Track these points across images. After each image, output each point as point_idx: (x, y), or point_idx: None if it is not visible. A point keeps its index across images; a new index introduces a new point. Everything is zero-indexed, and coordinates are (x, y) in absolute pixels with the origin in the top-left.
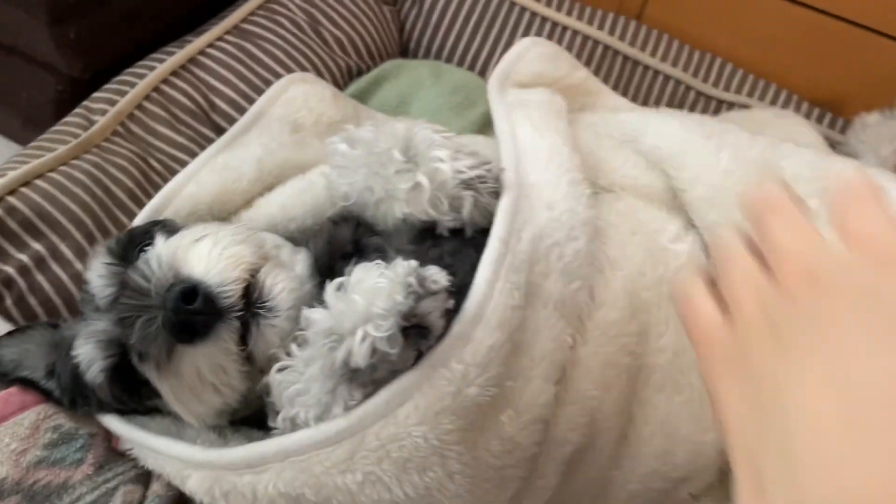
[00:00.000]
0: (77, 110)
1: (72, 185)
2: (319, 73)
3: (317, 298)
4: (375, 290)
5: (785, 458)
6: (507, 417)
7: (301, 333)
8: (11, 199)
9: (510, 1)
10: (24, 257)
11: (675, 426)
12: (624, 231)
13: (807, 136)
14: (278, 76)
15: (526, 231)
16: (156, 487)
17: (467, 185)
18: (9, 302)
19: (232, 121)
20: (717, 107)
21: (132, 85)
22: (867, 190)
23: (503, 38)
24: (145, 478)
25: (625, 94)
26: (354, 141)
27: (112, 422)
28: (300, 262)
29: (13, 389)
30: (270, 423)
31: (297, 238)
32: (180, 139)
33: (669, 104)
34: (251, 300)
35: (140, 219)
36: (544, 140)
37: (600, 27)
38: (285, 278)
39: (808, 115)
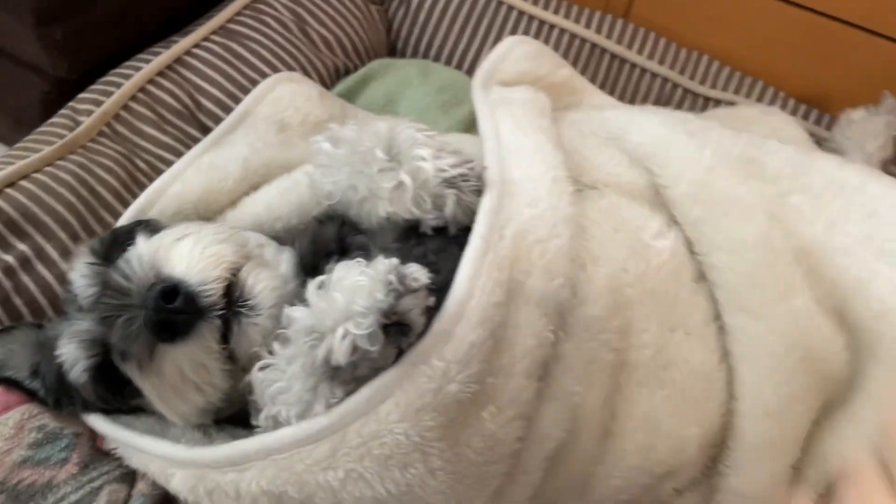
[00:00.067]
0: (63, 111)
1: (57, 185)
2: (306, 73)
3: (301, 297)
4: (356, 287)
5: None
6: (488, 414)
7: (283, 332)
8: None
9: (496, 0)
10: (9, 258)
11: (657, 421)
12: (607, 228)
13: (792, 132)
14: (265, 76)
15: (508, 228)
16: (141, 486)
17: (450, 183)
18: None
19: (218, 121)
20: (703, 104)
21: (118, 85)
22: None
23: (490, 37)
24: (130, 477)
25: (612, 92)
26: (338, 140)
27: (97, 421)
28: (284, 261)
29: None
30: (253, 422)
31: (282, 237)
32: (166, 139)
33: (656, 102)
34: (233, 299)
35: (125, 219)
36: (527, 138)
37: (587, 25)
38: (267, 277)
39: (794, 112)
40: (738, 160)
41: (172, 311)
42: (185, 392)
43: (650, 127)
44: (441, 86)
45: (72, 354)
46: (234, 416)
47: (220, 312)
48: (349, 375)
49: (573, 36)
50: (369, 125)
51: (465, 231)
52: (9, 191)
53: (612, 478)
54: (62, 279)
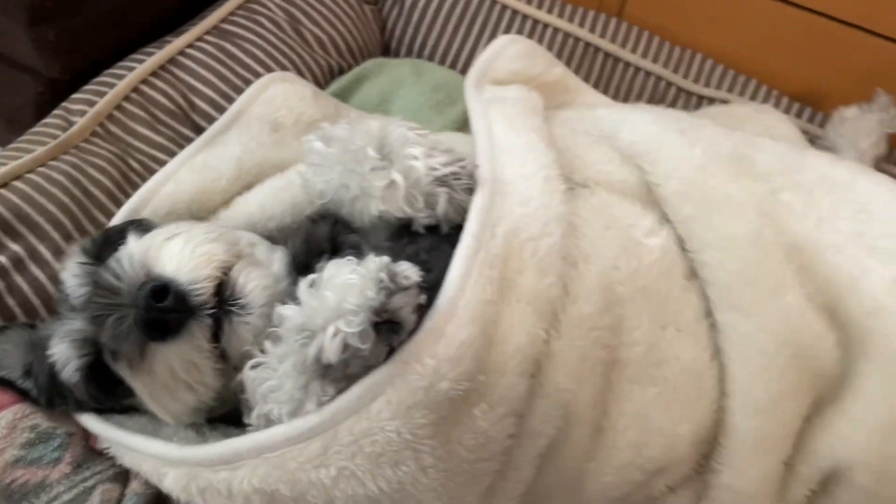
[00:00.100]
0: (56, 111)
1: (50, 186)
2: (300, 73)
3: (293, 296)
4: (347, 286)
5: None
6: (480, 411)
7: (274, 330)
8: None
9: (490, 0)
10: (2, 258)
11: (649, 418)
12: (598, 226)
13: (785, 130)
14: (259, 76)
15: (500, 227)
16: (134, 486)
17: (441, 181)
18: None
19: (212, 121)
20: (697, 103)
21: (111, 86)
22: None
23: (484, 37)
24: (123, 476)
25: (606, 90)
26: (330, 139)
27: (89, 421)
28: (277, 260)
29: None
30: (245, 420)
31: (276, 237)
32: (160, 139)
33: (650, 101)
34: (224, 298)
35: (118, 218)
36: (519, 137)
37: (581, 24)
38: (258, 276)
39: (787, 110)
40: (730, 158)
41: (163, 309)
42: (176, 391)
43: (641, 125)
44: (435, 85)
45: (63, 354)
46: (228, 415)
47: (211, 311)
48: (340, 373)
49: (567, 35)
50: (361, 124)
51: (457, 229)
52: (2, 191)
53: (604, 475)
54: (55, 279)
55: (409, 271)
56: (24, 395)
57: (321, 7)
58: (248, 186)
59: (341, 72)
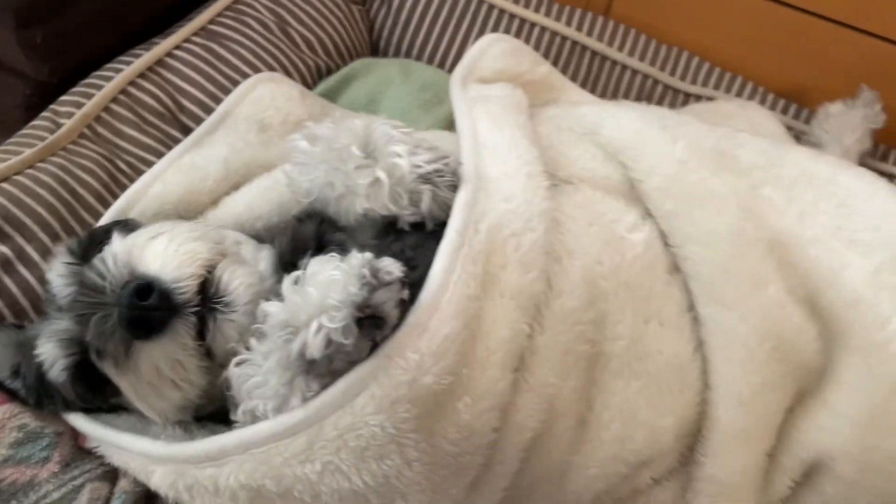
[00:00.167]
0: (44, 114)
1: (38, 187)
2: (288, 73)
3: (280, 294)
4: (330, 282)
5: None
6: (463, 405)
7: (259, 327)
8: None
9: None
10: None
11: (633, 411)
12: (582, 222)
13: (769, 126)
14: (246, 77)
15: (483, 223)
16: (123, 484)
17: (425, 179)
18: None
19: (200, 122)
20: (684, 100)
21: (99, 87)
22: None
23: (472, 36)
24: (112, 475)
25: (593, 89)
26: (314, 138)
27: (77, 420)
28: (263, 258)
29: None
30: (232, 417)
31: (263, 236)
32: (148, 141)
33: (637, 98)
34: (208, 296)
35: (105, 219)
36: (503, 134)
37: (568, 23)
38: (243, 274)
39: (773, 107)
40: (711, 153)
41: (147, 308)
42: (162, 389)
43: (624, 122)
44: (422, 85)
45: (50, 354)
46: (216, 413)
47: (196, 309)
48: (324, 369)
49: (554, 34)
50: (345, 123)
51: (442, 226)
52: None
53: (589, 468)
54: (43, 280)
55: (392, 267)
56: (12, 395)
57: (309, 8)
58: (235, 186)
59: (329, 72)
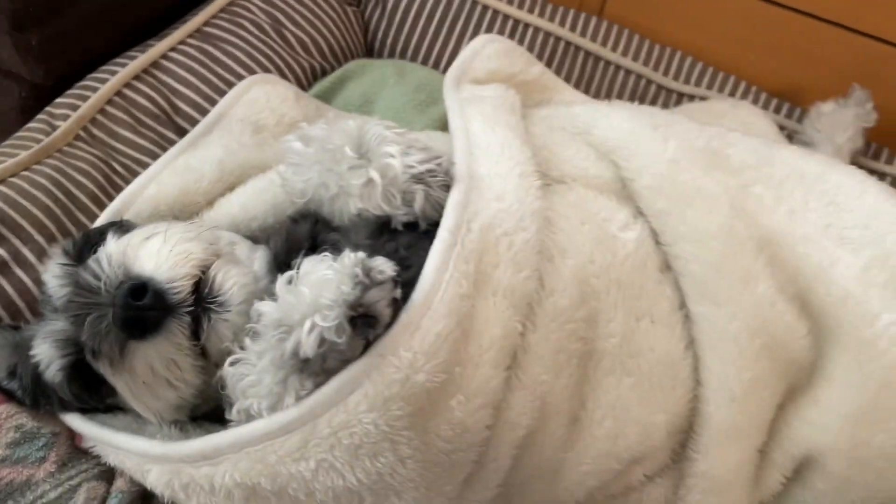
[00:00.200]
0: (39, 116)
1: (34, 189)
2: (283, 75)
3: (274, 293)
4: (323, 281)
5: None
6: (456, 403)
7: (253, 326)
8: None
9: (472, 0)
10: None
11: (625, 408)
12: (574, 221)
13: (761, 125)
14: (241, 78)
15: (475, 222)
16: (119, 484)
17: (418, 179)
18: None
19: (195, 123)
20: (677, 99)
21: (94, 90)
22: None
23: (466, 37)
24: (108, 474)
25: (587, 89)
26: (308, 139)
27: (74, 420)
28: (258, 259)
29: None
30: (227, 416)
31: (258, 236)
32: (143, 142)
33: (631, 98)
34: (202, 295)
35: (101, 221)
36: (496, 134)
37: (562, 24)
38: (237, 274)
39: (766, 106)
40: (702, 152)
41: (141, 308)
42: (157, 388)
43: (616, 121)
44: (417, 85)
45: (46, 354)
46: (211, 412)
47: (190, 309)
48: (318, 367)
49: (548, 34)
50: (339, 124)
51: (435, 226)
52: None
53: (582, 464)
54: (39, 282)
55: (384, 266)
56: (9, 395)
57: (303, 9)
58: (230, 187)
59: (324, 73)
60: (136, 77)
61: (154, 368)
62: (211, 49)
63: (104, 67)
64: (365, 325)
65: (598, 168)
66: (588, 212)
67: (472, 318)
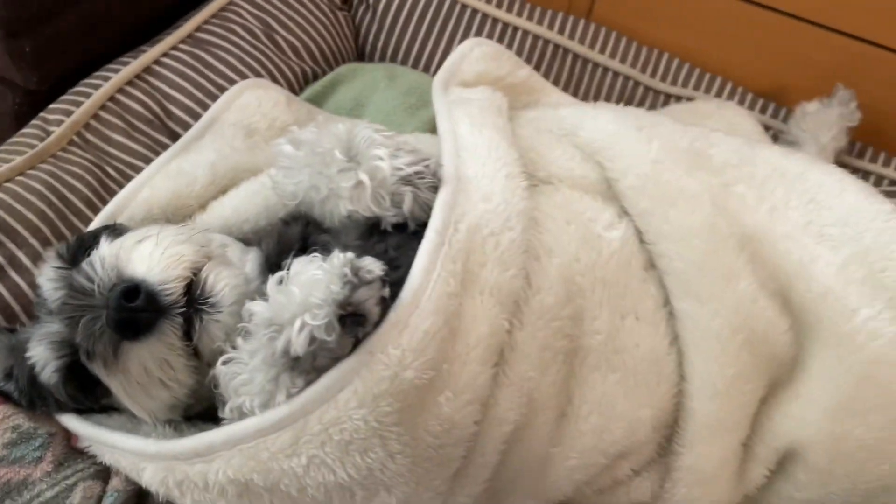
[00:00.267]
0: (33, 122)
1: (28, 194)
2: (275, 79)
3: (265, 294)
4: (313, 281)
5: None
6: (444, 399)
7: (244, 326)
8: None
9: (461, 4)
10: None
11: (611, 403)
12: (560, 220)
13: (746, 125)
14: (233, 83)
15: (463, 222)
16: (115, 483)
17: (406, 181)
18: None
19: (188, 128)
20: (665, 100)
21: (88, 95)
22: None
23: (456, 41)
24: (104, 474)
25: (575, 91)
26: (298, 142)
27: (70, 420)
28: (250, 260)
29: None
30: (220, 414)
31: (250, 238)
32: (136, 147)
33: (619, 100)
34: (194, 297)
35: (95, 224)
36: (483, 136)
37: (550, 27)
38: (228, 275)
39: (752, 106)
40: (685, 153)
41: (134, 309)
42: (150, 388)
43: (601, 123)
44: (407, 89)
45: (42, 356)
46: (204, 412)
47: (182, 310)
48: (308, 365)
49: (536, 37)
50: (328, 127)
51: (424, 227)
52: None
53: (569, 459)
54: (34, 285)
55: (372, 266)
56: (5, 397)
57: (294, 14)
58: (223, 191)
59: (315, 77)
60: (129, 82)
61: (147, 369)
62: (203, 54)
63: (97, 73)
64: (354, 323)
65: (584, 169)
66: (574, 212)
67: (460, 316)
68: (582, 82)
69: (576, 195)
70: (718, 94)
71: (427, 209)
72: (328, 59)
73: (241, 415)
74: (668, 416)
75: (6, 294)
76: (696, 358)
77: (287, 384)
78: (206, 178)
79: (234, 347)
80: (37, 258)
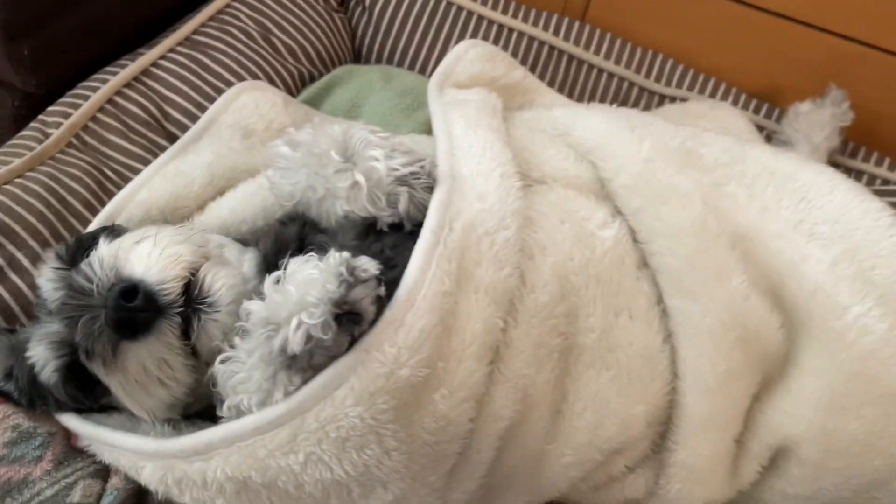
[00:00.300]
0: (32, 124)
1: (27, 196)
2: (271, 81)
3: (263, 293)
4: (309, 280)
5: None
6: (440, 396)
7: (242, 325)
8: None
9: (457, 6)
10: None
11: (605, 400)
12: (554, 220)
13: (738, 125)
14: (231, 85)
15: (458, 222)
16: (114, 481)
17: (402, 181)
18: None
19: (185, 130)
20: (659, 101)
21: (86, 98)
22: None
23: (451, 43)
24: (104, 472)
25: (570, 93)
26: (295, 143)
27: (69, 420)
28: (247, 260)
29: None
30: (218, 413)
31: (248, 239)
32: (134, 149)
33: (614, 101)
34: (192, 297)
35: (94, 226)
36: (477, 136)
37: (545, 28)
38: (225, 275)
39: (745, 107)
40: (677, 152)
41: (132, 309)
42: (149, 387)
43: (594, 123)
44: (403, 90)
45: (42, 356)
46: (203, 411)
47: (180, 310)
48: (305, 363)
49: (531, 38)
50: (325, 128)
51: (420, 227)
52: None
53: (564, 455)
54: (34, 286)
55: (368, 265)
56: (5, 396)
57: (291, 17)
58: (220, 192)
59: (312, 79)
60: (127, 85)
61: (146, 367)
62: (200, 57)
63: (95, 76)
64: (350, 321)
65: (578, 168)
66: (567, 211)
67: (455, 314)
68: (577, 83)
69: (570, 194)
70: (712, 95)
71: (422, 209)
72: (325, 61)
73: (239, 413)
74: (661, 413)
75: (6, 295)
76: (689, 355)
77: (284, 382)
78: (203, 179)
79: (231, 346)
80: (36, 259)
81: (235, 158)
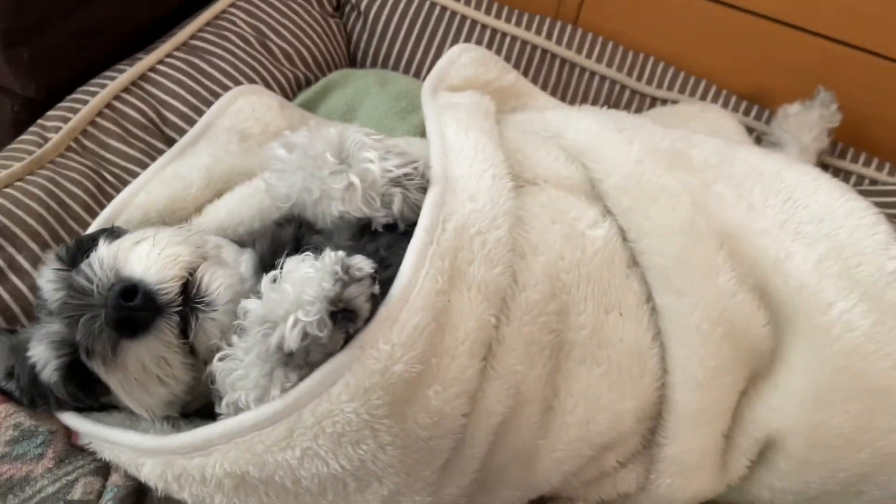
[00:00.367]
0: (32, 128)
1: (27, 199)
2: (268, 85)
3: (259, 293)
4: (305, 279)
5: None
6: (433, 392)
7: (239, 323)
8: None
9: (451, 10)
10: None
11: (596, 396)
12: (545, 220)
13: (728, 127)
14: (227, 89)
15: (450, 222)
16: (114, 478)
17: (396, 182)
18: None
19: (183, 133)
20: (650, 104)
21: (85, 102)
22: None
23: (446, 47)
24: (104, 470)
25: (563, 96)
26: (291, 146)
27: (70, 418)
28: (245, 261)
29: None
30: (217, 410)
31: (245, 240)
32: (133, 153)
33: (605, 103)
34: (190, 296)
35: (93, 228)
36: (469, 138)
37: (538, 32)
38: (223, 275)
39: (735, 109)
40: (666, 153)
41: (132, 308)
42: (148, 385)
43: (584, 125)
44: (398, 94)
45: (42, 355)
46: (202, 409)
47: (178, 309)
48: (302, 360)
49: (525, 42)
50: (320, 131)
51: (414, 227)
52: None
53: (556, 450)
54: (34, 288)
55: (362, 263)
56: (7, 396)
57: (287, 22)
58: (218, 194)
59: (308, 83)
60: (126, 89)
61: (145, 366)
62: (198, 61)
63: (94, 81)
64: (345, 319)
65: (569, 170)
66: (559, 211)
67: (448, 312)
68: (569, 86)
69: (561, 195)
70: (702, 97)
71: (416, 209)
72: (320, 65)
73: (237, 409)
74: (651, 408)
75: (6, 296)
76: (678, 351)
77: (281, 379)
78: (201, 181)
79: (229, 344)
80: (36, 261)
81: (232, 161)
